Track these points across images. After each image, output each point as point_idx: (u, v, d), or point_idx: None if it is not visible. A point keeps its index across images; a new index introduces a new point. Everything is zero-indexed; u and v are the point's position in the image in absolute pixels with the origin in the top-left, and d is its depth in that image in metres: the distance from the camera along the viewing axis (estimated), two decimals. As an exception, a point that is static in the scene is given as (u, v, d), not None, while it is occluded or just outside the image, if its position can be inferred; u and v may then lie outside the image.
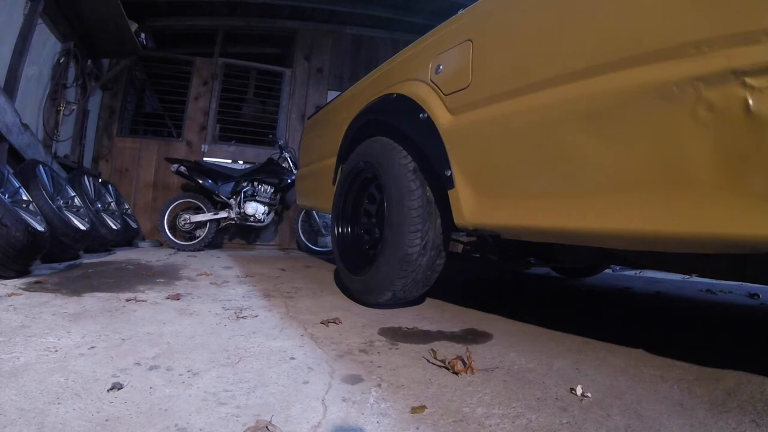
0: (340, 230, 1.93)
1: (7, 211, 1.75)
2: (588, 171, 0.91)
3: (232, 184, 4.11)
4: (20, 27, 2.75)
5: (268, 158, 4.37)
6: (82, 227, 2.58)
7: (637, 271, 3.26)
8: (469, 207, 1.24)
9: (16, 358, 0.90)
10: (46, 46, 3.14)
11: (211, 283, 2.03)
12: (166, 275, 2.22)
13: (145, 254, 3.29)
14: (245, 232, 4.79)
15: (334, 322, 1.36)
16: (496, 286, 2.42)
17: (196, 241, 4.02)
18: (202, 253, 3.77)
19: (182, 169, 4.02)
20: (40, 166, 2.58)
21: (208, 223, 4.05)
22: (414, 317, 1.50)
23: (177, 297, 1.63)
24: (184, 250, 3.84)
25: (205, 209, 4.09)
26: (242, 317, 1.38)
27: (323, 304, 1.65)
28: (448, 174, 1.29)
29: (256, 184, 4.21)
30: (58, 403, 0.72)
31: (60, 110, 3.38)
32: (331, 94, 4.91)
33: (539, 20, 1.07)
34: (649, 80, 0.78)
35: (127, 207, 4.18)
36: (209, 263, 2.92)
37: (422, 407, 0.78)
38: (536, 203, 1.05)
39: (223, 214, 4.09)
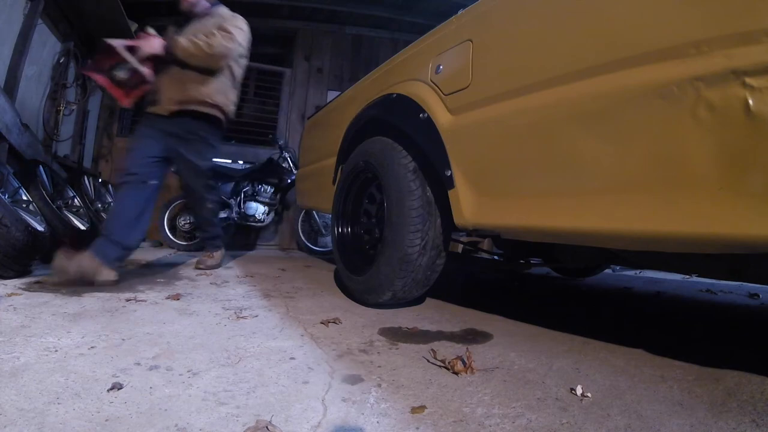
0: (340, 230, 1.93)
1: (7, 211, 1.75)
2: (588, 171, 0.91)
3: (232, 184, 4.11)
4: (20, 27, 2.75)
5: (268, 158, 4.37)
6: (82, 227, 2.58)
7: (637, 271, 3.26)
8: (469, 207, 1.24)
9: (16, 358, 0.90)
10: (46, 46, 3.14)
11: (211, 283, 2.03)
12: (166, 275, 2.22)
13: (145, 254, 3.29)
14: (245, 232, 4.79)
15: (334, 322, 1.36)
16: (496, 286, 2.42)
17: (196, 241, 4.02)
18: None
19: (182, 169, 4.01)
20: (40, 166, 2.58)
21: (208, 223, 4.05)
22: (414, 317, 1.50)
23: (177, 297, 1.63)
24: (184, 250, 3.83)
25: (205, 209, 4.08)
26: (242, 317, 1.38)
27: (323, 304, 1.65)
28: (448, 174, 1.29)
29: (256, 184, 4.21)
30: (58, 403, 0.72)
31: (60, 110, 3.38)
32: (331, 94, 4.91)
33: (539, 20, 1.07)
34: (649, 80, 0.78)
35: (127, 207, 4.17)
36: (209, 263, 2.91)
37: (422, 407, 0.78)
38: (536, 203, 1.05)
39: (223, 215, 4.09)
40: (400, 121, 1.56)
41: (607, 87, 0.86)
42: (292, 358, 1.01)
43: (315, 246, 4.36)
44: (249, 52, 2.39)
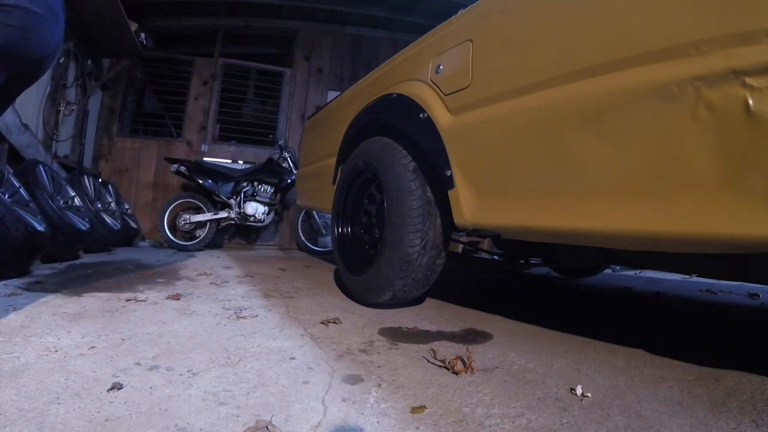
0: (340, 230, 1.93)
1: (7, 211, 1.75)
2: (588, 171, 0.91)
3: (232, 184, 4.11)
4: (20, 27, 2.74)
5: (268, 158, 4.37)
6: (82, 227, 2.58)
7: (637, 271, 3.26)
8: (469, 207, 1.24)
9: (16, 358, 0.90)
10: (46, 46, 3.14)
11: (211, 283, 2.03)
12: (166, 275, 2.22)
13: (145, 254, 3.29)
14: (245, 232, 4.79)
15: (334, 322, 1.36)
16: (496, 286, 2.42)
17: (196, 241, 4.02)
18: (202, 253, 3.76)
19: (182, 169, 4.02)
20: (40, 166, 2.58)
21: (208, 223, 4.05)
22: (414, 317, 1.50)
23: (177, 297, 1.63)
24: (184, 250, 3.83)
25: (205, 209, 4.09)
26: (242, 317, 1.38)
27: (323, 304, 1.65)
28: (448, 174, 1.29)
29: (256, 184, 4.21)
30: (58, 403, 0.72)
31: (60, 110, 3.38)
32: (331, 94, 4.91)
33: (539, 20, 1.07)
34: (649, 80, 0.78)
35: (127, 207, 4.18)
36: (209, 263, 2.92)
37: (422, 407, 0.78)
38: (536, 203, 1.05)
39: (223, 214, 4.09)
40: (400, 121, 1.56)
41: (607, 87, 0.86)
42: (292, 358, 1.01)
43: (315, 246, 4.36)
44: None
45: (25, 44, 0.98)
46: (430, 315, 1.55)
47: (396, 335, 1.27)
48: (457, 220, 1.29)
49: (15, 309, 1.29)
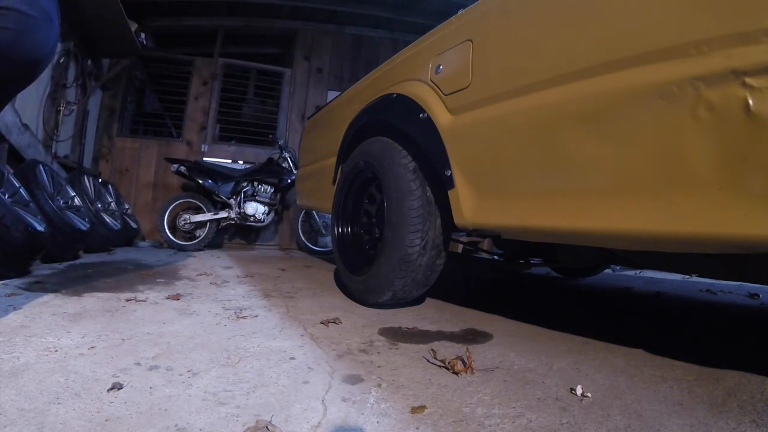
0: (340, 230, 1.93)
1: (7, 211, 1.75)
2: (588, 171, 0.91)
3: (232, 184, 4.12)
4: (20, 27, 2.74)
5: (268, 158, 4.37)
6: (82, 227, 2.58)
7: (637, 271, 3.26)
8: (469, 207, 1.24)
9: (16, 358, 0.90)
10: (46, 46, 3.13)
11: (211, 283, 2.03)
12: (166, 275, 2.22)
13: (145, 254, 3.29)
14: (245, 232, 4.79)
15: (334, 322, 1.36)
16: (496, 286, 2.42)
17: (196, 241, 4.02)
18: (202, 253, 3.77)
19: (182, 169, 4.02)
20: (40, 166, 2.58)
21: (208, 223, 4.05)
22: (414, 317, 1.50)
23: (177, 297, 1.63)
24: (184, 250, 3.83)
25: (205, 209, 4.09)
26: (242, 317, 1.38)
27: (323, 304, 1.65)
28: (448, 174, 1.29)
29: (256, 184, 4.21)
30: (58, 403, 0.72)
31: (60, 110, 3.38)
32: (331, 94, 4.91)
33: (539, 20, 1.07)
34: (649, 80, 0.78)
35: (127, 207, 4.18)
36: (209, 263, 2.92)
37: (422, 407, 0.78)
38: (536, 203, 1.05)
39: (223, 214, 4.09)
40: (400, 121, 1.56)
41: (607, 87, 0.86)
42: (292, 358, 1.01)
43: (315, 246, 4.36)
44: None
45: (20, 47, 0.97)
46: (430, 315, 1.55)
47: (396, 335, 1.27)
48: (457, 220, 1.29)
49: (15, 309, 1.29)
